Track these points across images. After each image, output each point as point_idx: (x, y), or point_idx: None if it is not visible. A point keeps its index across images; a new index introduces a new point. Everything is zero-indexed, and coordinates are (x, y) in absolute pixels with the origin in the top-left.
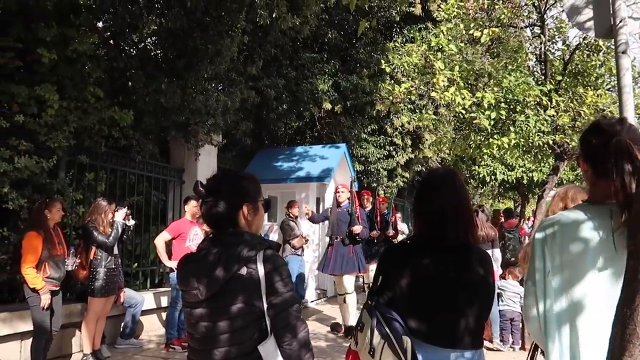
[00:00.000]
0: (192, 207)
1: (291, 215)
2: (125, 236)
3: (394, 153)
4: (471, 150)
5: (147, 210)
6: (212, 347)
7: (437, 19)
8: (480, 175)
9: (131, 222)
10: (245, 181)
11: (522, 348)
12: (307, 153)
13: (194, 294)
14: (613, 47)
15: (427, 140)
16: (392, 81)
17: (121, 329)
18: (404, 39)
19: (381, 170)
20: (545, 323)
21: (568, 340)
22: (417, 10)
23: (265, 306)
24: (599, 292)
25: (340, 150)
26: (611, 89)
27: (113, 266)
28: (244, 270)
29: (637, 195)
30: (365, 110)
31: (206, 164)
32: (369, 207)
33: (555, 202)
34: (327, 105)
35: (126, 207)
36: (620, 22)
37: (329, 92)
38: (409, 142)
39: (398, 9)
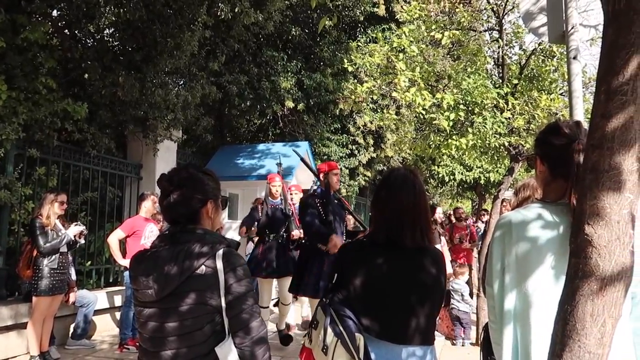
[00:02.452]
0: (147, 204)
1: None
2: (70, 249)
3: (356, 152)
4: (431, 151)
5: (102, 206)
6: (162, 348)
7: (400, 20)
8: (440, 175)
9: (81, 241)
10: (208, 177)
11: (476, 343)
12: (269, 150)
13: (148, 294)
14: (566, 52)
15: (389, 139)
16: (355, 80)
17: (72, 330)
18: (368, 39)
19: (343, 169)
20: (501, 319)
21: (520, 336)
22: (381, 10)
23: (223, 305)
24: (550, 289)
25: (302, 148)
26: (564, 94)
27: (55, 266)
28: (201, 269)
29: (580, 197)
30: (328, 109)
31: (165, 159)
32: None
33: (522, 190)
34: (290, 103)
35: (84, 227)
36: (572, 28)
37: (292, 90)
38: (371, 142)
39: (362, 8)
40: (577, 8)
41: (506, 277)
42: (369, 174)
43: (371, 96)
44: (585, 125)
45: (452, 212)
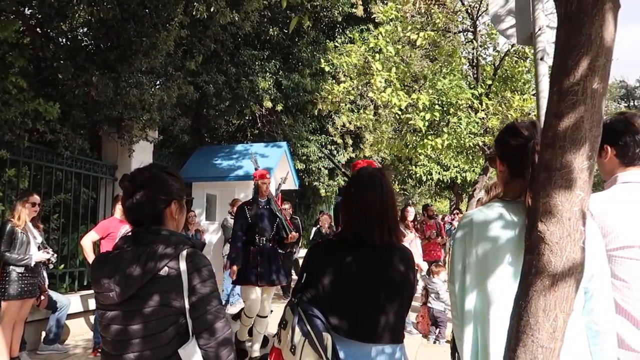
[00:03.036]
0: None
1: (233, 213)
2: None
3: (335, 152)
4: (407, 150)
5: (76, 208)
6: (125, 351)
7: (377, 20)
8: (417, 175)
9: (50, 265)
10: (172, 177)
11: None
12: (247, 151)
13: (109, 296)
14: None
15: (367, 140)
16: (334, 81)
17: (44, 334)
18: (346, 40)
19: (322, 169)
20: (462, 317)
21: (480, 334)
22: (359, 11)
23: (187, 307)
24: (509, 287)
25: (281, 149)
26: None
27: (24, 270)
28: (164, 270)
29: (534, 195)
30: (307, 109)
31: (141, 160)
32: None
33: (493, 188)
34: (268, 103)
35: (52, 254)
36: (539, 30)
37: (270, 90)
38: (350, 142)
39: (340, 9)
40: (544, 10)
41: (467, 276)
42: (348, 174)
43: (348, 96)
44: None
45: (423, 210)
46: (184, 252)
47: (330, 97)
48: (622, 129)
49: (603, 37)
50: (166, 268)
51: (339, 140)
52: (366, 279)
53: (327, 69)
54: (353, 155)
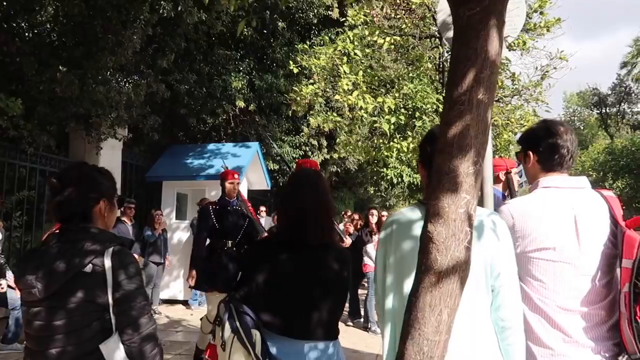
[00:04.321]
0: None
1: None
2: None
3: (309, 153)
4: (374, 153)
5: (39, 205)
6: (48, 347)
7: (346, 24)
8: (389, 177)
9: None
10: (102, 176)
11: None
12: (219, 150)
13: (32, 292)
14: (505, 62)
15: (341, 141)
16: (308, 82)
17: (3, 334)
18: (321, 42)
19: None
20: (383, 316)
21: (397, 334)
22: (335, 14)
23: (111, 302)
24: None
25: (252, 149)
26: (500, 100)
27: None
28: (89, 267)
29: (428, 198)
30: (281, 110)
31: (109, 158)
32: None
33: None
34: (241, 103)
35: (4, 281)
36: None
37: (244, 90)
38: (325, 143)
39: (316, 11)
40: None
41: (387, 277)
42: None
43: (315, 98)
44: (491, 129)
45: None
46: (111, 250)
47: (299, 98)
48: (543, 136)
49: (488, 51)
50: (91, 265)
51: (314, 142)
52: (299, 277)
53: (295, 70)
54: (327, 156)
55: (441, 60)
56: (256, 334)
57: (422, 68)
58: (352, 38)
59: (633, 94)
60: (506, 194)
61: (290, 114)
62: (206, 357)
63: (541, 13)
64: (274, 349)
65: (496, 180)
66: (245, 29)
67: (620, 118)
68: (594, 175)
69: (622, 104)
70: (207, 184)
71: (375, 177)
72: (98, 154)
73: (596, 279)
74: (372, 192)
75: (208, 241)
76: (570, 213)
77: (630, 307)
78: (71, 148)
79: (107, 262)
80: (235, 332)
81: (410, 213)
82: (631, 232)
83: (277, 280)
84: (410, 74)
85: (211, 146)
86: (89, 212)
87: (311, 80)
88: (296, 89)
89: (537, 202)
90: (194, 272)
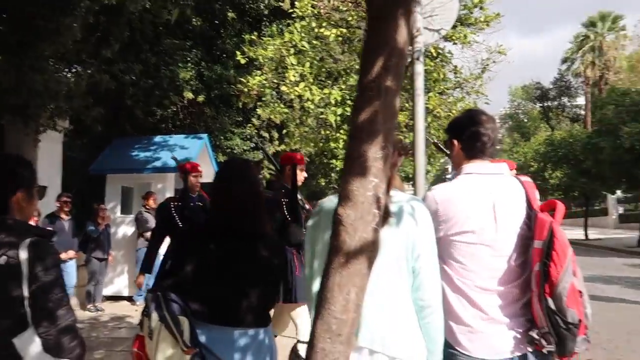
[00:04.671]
0: None
1: (147, 206)
2: None
3: (261, 145)
4: (322, 145)
5: None
6: None
7: (293, 15)
8: (337, 169)
9: None
10: (20, 166)
11: None
12: (167, 143)
13: None
14: (448, 55)
15: (292, 133)
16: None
17: None
18: (272, 33)
19: None
20: (311, 301)
21: None
22: (286, 5)
23: (26, 295)
24: None
25: (202, 141)
26: (442, 92)
27: None
28: (2, 259)
29: (341, 181)
30: (230, 101)
31: (49, 151)
32: None
33: None
34: (189, 94)
35: None
36: (417, 31)
37: (192, 81)
38: (276, 135)
39: (267, 2)
40: (422, 13)
41: (315, 263)
42: (273, 167)
43: (263, 89)
44: (422, 119)
45: None
46: (27, 241)
47: (245, 89)
48: (466, 124)
49: (396, 40)
50: (5, 257)
51: (264, 134)
52: (227, 266)
53: (242, 61)
54: (279, 148)
55: None
56: (184, 321)
57: None
58: (299, 30)
59: (572, 88)
60: None
61: (240, 106)
62: (134, 349)
63: (481, 8)
64: (203, 337)
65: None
66: (194, 19)
67: (561, 111)
68: (535, 166)
69: (563, 98)
70: (154, 177)
71: (325, 169)
72: (36, 147)
73: (512, 260)
74: (323, 184)
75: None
76: (489, 198)
77: (540, 285)
78: (7, 140)
79: (23, 254)
80: (163, 319)
81: (336, 199)
82: (543, 215)
83: (205, 269)
84: (357, 66)
85: (158, 138)
86: (6, 203)
87: (259, 72)
88: (243, 80)
89: (459, 187)
90: (142, 278)
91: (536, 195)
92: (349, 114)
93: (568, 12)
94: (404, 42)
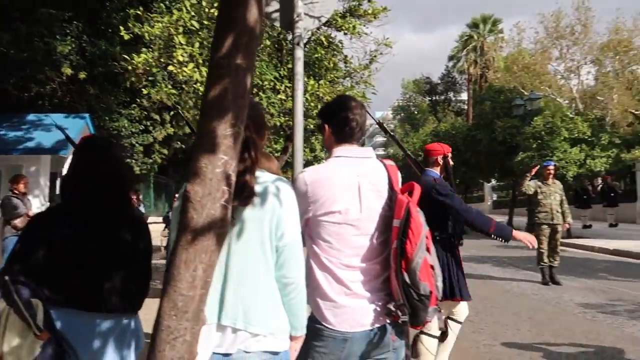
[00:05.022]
0: None
1: (16, 191)
2: None
3: (151, 128)
4: None
5: None
6: None
7: None
8: None
9: None
10: None
11: None
12: (42, 122)
13: None
14: (339, 44)
15: (187, 116)
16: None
17: None
18: (161, 10)
19: (137, 145)
20: None
21: None
22: None
23: None
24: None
25: (83, 120)
26: (332, 81)
27: None
28: None
29: (193, 153)
30: (117, 80)
31: None
32: None
33: None
34: (68, 70)
35: None
36: (297, 17)
37: (72, 55)
38: (168, 118)
39: None
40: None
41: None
42: (166, 151)
43: (150, 68)
44: (301, 104)
45: None
46: None
47: (130, 67)
48: (337, 110)
49: (247, 19)
50: None
51: (155, 116)
52: (85, 248)
53: (126, 37)
54: (171, 131)
55: (280, 37)
56: (38, 303)
57: (261, 45)
58: (189, 8)
59: (458, 84)
60: (443, 176)
61: (128, 85)
62: None
63: (369, 1)
64: (59, 323)
65: (434, 163)
66: None
67: (447, 105)
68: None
69: (449, 93)
70: (24, 158)
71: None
72: None
73: (374, 238)
74: None
75: None
76: (355, 180)
77: (397, 261)
78: None
79: None
80: (13, 303)
81: None
82: (402, 196)
83: (59, 252)
84: None
85: (31, 117)
86: None
87: (145, 50)
88: (127, 57)
89: (328, 170)
90: None
91: (398, 177)
92: None
93: (459, 11)
94: (255, 21)
